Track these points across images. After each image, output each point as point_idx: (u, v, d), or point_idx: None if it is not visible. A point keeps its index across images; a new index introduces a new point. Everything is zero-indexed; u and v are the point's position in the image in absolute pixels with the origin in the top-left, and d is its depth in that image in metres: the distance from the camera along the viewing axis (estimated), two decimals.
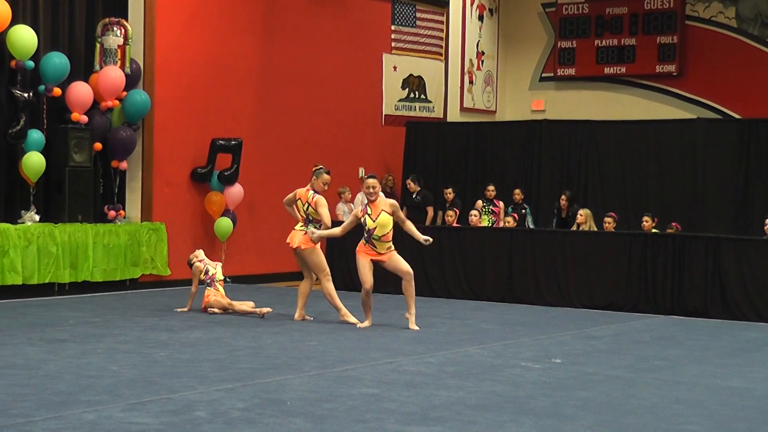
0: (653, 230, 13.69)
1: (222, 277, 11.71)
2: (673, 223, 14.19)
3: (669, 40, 19.00)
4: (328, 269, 11.04)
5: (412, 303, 10.59)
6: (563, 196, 15.33)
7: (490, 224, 15.26)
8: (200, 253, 11.90)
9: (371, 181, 10.50)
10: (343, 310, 10.94)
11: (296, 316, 11.14)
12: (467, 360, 8.74)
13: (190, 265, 11.75)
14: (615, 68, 19.55)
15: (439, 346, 9.43)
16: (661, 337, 10.68)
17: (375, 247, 10.47)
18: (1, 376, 7.40)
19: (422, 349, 9.26)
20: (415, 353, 8.98)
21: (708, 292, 12.49)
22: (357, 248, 10.63)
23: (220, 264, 11.92)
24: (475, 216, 14.75)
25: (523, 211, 15.57)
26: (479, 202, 15.66)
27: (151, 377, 7.47)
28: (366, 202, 10.57)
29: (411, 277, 10.53)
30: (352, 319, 10.79)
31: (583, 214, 14.28)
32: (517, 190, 15.79)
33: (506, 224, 14.76)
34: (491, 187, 15.69)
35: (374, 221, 10.37)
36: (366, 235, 10.49)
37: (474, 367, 8.34)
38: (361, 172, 17.30)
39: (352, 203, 16.20)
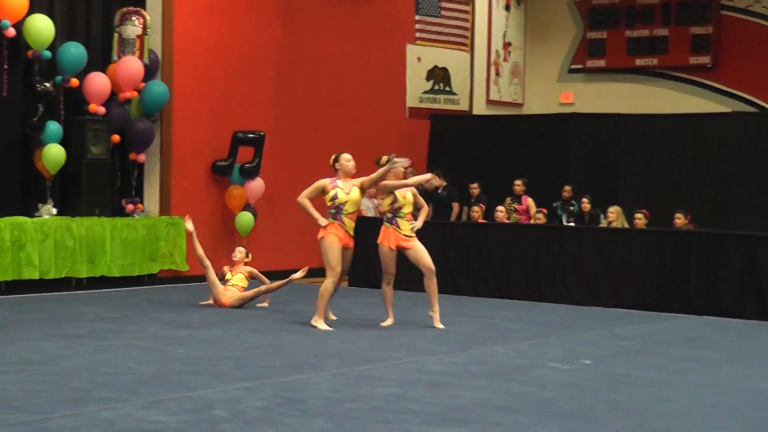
0: (686, 227, 13.63)
1: (236, 284, 11.82)
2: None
3: (703, 31, 18.89)
4: (337, 269, 10.29)
5: (435, 300, 10.56)
6: (585, 199, 15.21)
7: (514, 222, 15.22)
8: (239, 253, 12.02)
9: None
10: (320, 314, 10.39)
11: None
12: (492, 360, 8.73)
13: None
14: (646, 60, 19.46)
15: (463, 346, 9.42)
16: (693, 338, 10.64)
17: (399, 228, 10.40)
18: (18, 372, 7.45)
19: (446, 348, 9.25)
20: (438, 352, 8.98)
21: (743, 292, 12.43)
22: (380, 237, 10.51)
23: (244, 271, 11.92)
24: (501, 212, 14.72)
25: (571, 208, 15.49)
26: (507, 200, 15.60)
27: (169, 375, 7.51)
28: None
29: (433, 273, 10.49)
30: (323, 326, 10.28)
31: (613, 212, 14.23)
32: (567, 187, 15.68)
33: (536, 221, 14.72)
34: (518, 182, 15.62)
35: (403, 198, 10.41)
36: (391, 215, 10.42)
37: (499, 368, 8.33)
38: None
39: (376, 198, 16.21)
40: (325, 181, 10.40)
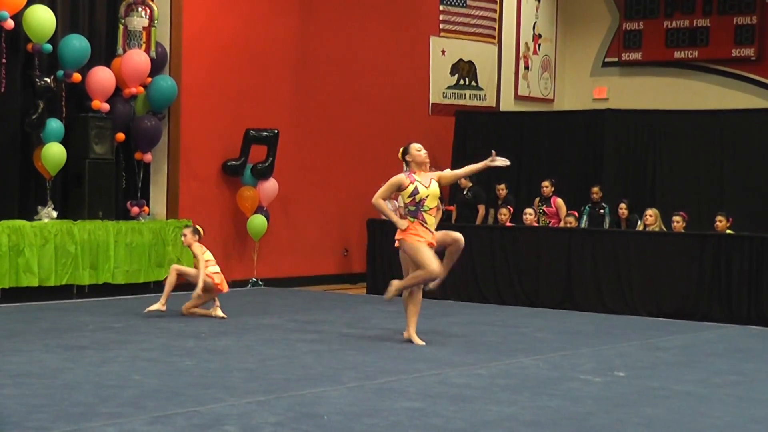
0: (728, 231, 13.59)
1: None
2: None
3: (747, 21, 18.82)
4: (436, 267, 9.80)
5: (450, 263, 10.17)
6: (623, 204, 15.15)
7: (543, 225, 15.19)
8: (183, 237, 11.83)
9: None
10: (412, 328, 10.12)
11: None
12: (521, 372, 8.72)
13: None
14: (686, 52, 19.40)
15: (490, 357, 9.42)
16: (736, 349, 10.60)
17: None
18: (16, 385, 7.49)
19: (471, 359, 9.25)
20: (463, 364, 8.98)
21: None
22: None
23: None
24: (530, 215, 14.71)
25: (602, 210, 15.44)
26: (536, 200, 15.58)
27: (177, 388, 7.53)
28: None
29: (462, 243, 10.10)
30: (418, 341, 10.03)
31: (652, 214, 14.19)
32: (596, 188, 15.63)
33: (567, 224, 14.70)
34: (546, 183, 15.59)
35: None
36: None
37: (528, 380, 8.32)
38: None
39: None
40: (400, 177, 9.83)
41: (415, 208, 9.80)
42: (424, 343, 9.97)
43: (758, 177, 15.91)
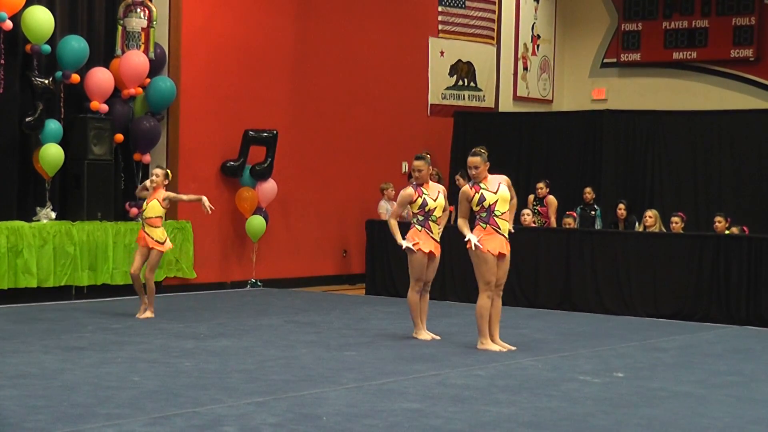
0: (726, 232, 13.59)
1: (150, 216, 11.62)
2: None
3: (745, 22, 18.82)
4: (493, 281, 9.83)
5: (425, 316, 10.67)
6: (621, 205, 15.14)
7: (538, 225, 15.21)
8: (156, 176, 11.69)
9: (417, 163, 10.30)
10: (483, 335, 9.96)
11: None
12: (520, 373, 8.73)
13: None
14: (685, 53, 19.40)
15: (489, 358, 9.42)
16: (735, 350, 10.60)
17: (431, 232, 10.37)
18: (15, 386, 7.49)
19: (471, 360, 9.26)
20: (462, 365, 8.98)
21: None
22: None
23: (160, 197, 11.62)
24: (528, 215, 14.72)
25: (593, 212, 15.45)
26: (530, 198, 15.55)
27: (176, 389, 7.53)
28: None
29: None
30: (494, 347, 9.89)
31: (651, 215, 14.19)
32: (588, 189, 15.63)
33: (566, 225, 14.70)
34: (541, 185, 15.57)
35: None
36: (422, 218, 10.31)
37: (527, 381, 8.32)
38: (405, 166, 17.30)
39: (395, 201, 16.21)
40: (465, 188, 9.87)
41: (486, 215, 9.78)
42: (514, 348, 9.95)
43: (757, 178, 15.91)
